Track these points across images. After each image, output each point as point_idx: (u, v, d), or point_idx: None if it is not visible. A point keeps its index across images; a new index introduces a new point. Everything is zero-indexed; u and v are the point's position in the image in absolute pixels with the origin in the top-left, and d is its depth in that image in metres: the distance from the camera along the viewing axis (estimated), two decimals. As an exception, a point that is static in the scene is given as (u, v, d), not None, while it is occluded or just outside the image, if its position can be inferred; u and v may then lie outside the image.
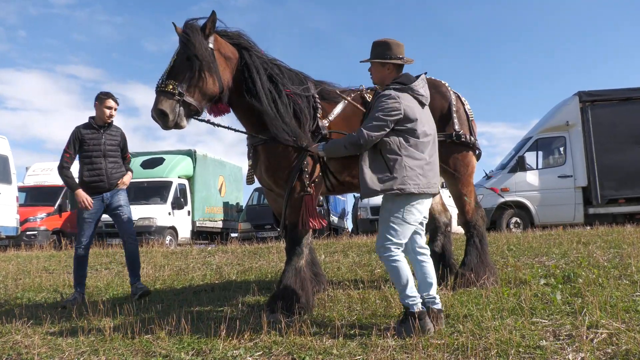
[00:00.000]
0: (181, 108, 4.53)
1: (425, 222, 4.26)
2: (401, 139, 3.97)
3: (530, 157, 14.88)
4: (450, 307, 4.52)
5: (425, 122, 4.10)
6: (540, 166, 14.84)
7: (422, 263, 4.16)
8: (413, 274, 4.07)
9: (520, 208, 14.36)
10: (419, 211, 4.05)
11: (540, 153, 15.10)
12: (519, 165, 14.51)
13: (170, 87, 4.49)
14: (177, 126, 4.56)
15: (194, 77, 4.55)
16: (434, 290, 4.12)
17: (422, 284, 4.13)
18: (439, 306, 4.10)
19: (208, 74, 4.61)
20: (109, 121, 6.29)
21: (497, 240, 9.40)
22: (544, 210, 14.17)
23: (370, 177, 3.97)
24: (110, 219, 6.42)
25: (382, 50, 4.18)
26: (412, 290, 3.94)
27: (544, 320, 4.07)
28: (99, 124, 6.26)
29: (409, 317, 3.89)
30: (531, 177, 14.43)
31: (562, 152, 14.75)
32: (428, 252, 4.23)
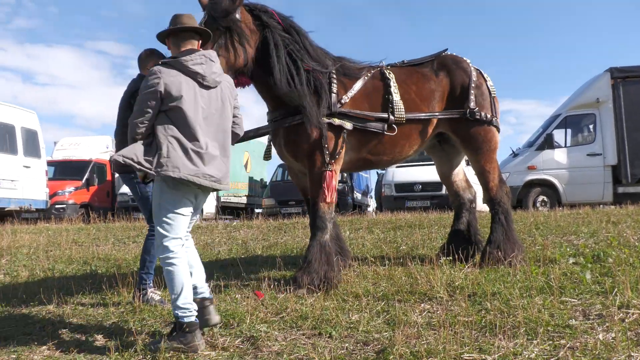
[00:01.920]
0: None
1: (195, 219, 3.85)
2: (167, 118, 3.53)
3: (559, 135, 14.56)
4: (477, 285, 4.49)
5: (205, 106, 3.61)
6: (568, 144, 14.51)
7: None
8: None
9: (547, 186, 14.15)
10: (191, 202, 3.65)
11: (569, 130, 14.76)
12: (547, 143, 14.22)
13: None
14: None
15: (221, 48, 4.53)
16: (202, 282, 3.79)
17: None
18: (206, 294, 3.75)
19: (235, 46, 4.59)
20: None
21: (523, 219, 9.29)
22: (572, 189, 13.92)
23: (136, 150, 3.52)
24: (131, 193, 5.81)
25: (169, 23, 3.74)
26: (185, 299, 3.48)
27: (573, 300, 4.02)
28: None
29: (178, 329, 3.48)
30: (559, 155, 14.16)
31: (591, 130, 14.42)
32: (191, 243, 3.84)
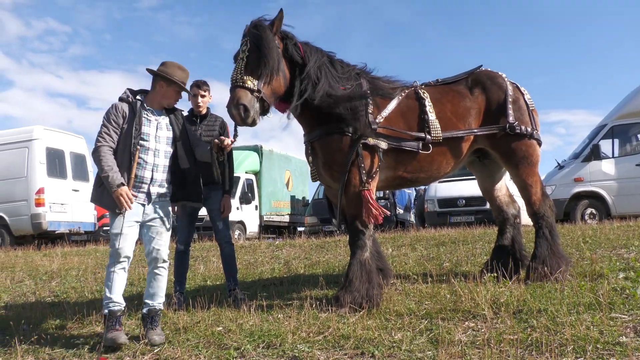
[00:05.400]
0: (257, 104, 4.61)
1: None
2: None
3: (606, 145, 14.16)
4: (523, 301, 4.39)
5: None
6: (616, 154, 14.09)
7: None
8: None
9: (595, 198, 13.76)
10: None
11: (617, 140, 14.33)
12: (594, 153, 13.85)
13: (250, 82, 4.55)
14: (253, 123, 4.62)
15: (268, 75, 4.63)
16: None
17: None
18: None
19: (278, 73, 4.71)
20: (201, 110, 5.90)
21: (571, 232, 9.06)
22: (622, 201, 13.48)
23: None
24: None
25: None
26: None
27: (623, 316, 3.90)
28: (195, 114, 5.93)
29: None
30: (607, 166, 13.76)
31: (640, 140, 14.02)
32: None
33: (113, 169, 4.26)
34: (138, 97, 4.56)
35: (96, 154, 4.33)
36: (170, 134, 4.63)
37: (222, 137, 4.75)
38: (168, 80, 4.51)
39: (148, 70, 4.58)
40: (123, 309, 4.38)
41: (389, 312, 4.54)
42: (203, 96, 5.88)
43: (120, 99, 4.51)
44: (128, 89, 4.60)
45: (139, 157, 4.40)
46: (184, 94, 4.77)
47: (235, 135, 4.80)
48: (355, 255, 4.88)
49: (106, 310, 4.28)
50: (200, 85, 5.88)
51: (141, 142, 4.41)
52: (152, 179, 4.48)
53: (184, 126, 4.76)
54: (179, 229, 5.87)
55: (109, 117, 4.40)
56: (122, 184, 4.22)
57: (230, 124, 5.07)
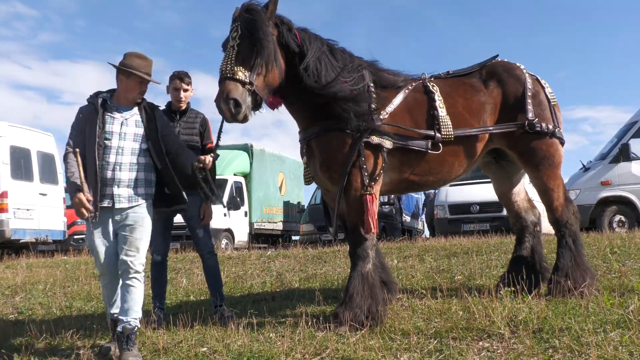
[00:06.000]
0: (249, 98, 4.58)
1: None
2: None
3: (636, 145, 14.19)
4: (544, 319, 4.40)
5: None
6: (647, 155, 14.16)
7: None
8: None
9: (624, 204, 13.78)
10: None
11: (648, 140, 14.41)
12: (623, 154, 13.85)
13: (241, 74, 4.52)
14: (245, 119, 4.60)
15: (262, 66, 4.60)
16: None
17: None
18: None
19: (274, 63, 4.67)
20: (181, 105, 5.84)
21: (597, 242, 9.07)
22: (654, 207, 13.52)
23: None
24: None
25: None
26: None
27: (656, 335, 3.91)
28: (174, 109, 5.86)
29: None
30: (637, 168, 13.79)
31: (675, 138, 14.02)
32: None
33: (74, 174, 4.40)
34: (101, 95, 4.66)
35: (64, 160, 4.56)
36: (139, 131, 4.67)
37: (202, 157, 4.67)
38: (126, 72, 4.58)
39: (109, 63, 4.66)
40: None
41: (394, 330, 4.54)
42: (185, 90, 5.82)
43: (87, 101, 4.70)
44: (97, 91, 4.77)
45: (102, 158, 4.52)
46: (163, 87, 4.80)
47: (217, 146, 4.87)
48: (357, 267, 4.88)
49: (109, 320, 4.77)
50: (182, 77, 5.81)
51: (105, 141, 4.52)
52: (114, 179, 4.53)
53: (154, 122, 4.71)
54: (152, 236, 5.81)
55: (74, 121, 4.67)
56: (78, 190, 4.34)
57: (214, 123, 5.05)
